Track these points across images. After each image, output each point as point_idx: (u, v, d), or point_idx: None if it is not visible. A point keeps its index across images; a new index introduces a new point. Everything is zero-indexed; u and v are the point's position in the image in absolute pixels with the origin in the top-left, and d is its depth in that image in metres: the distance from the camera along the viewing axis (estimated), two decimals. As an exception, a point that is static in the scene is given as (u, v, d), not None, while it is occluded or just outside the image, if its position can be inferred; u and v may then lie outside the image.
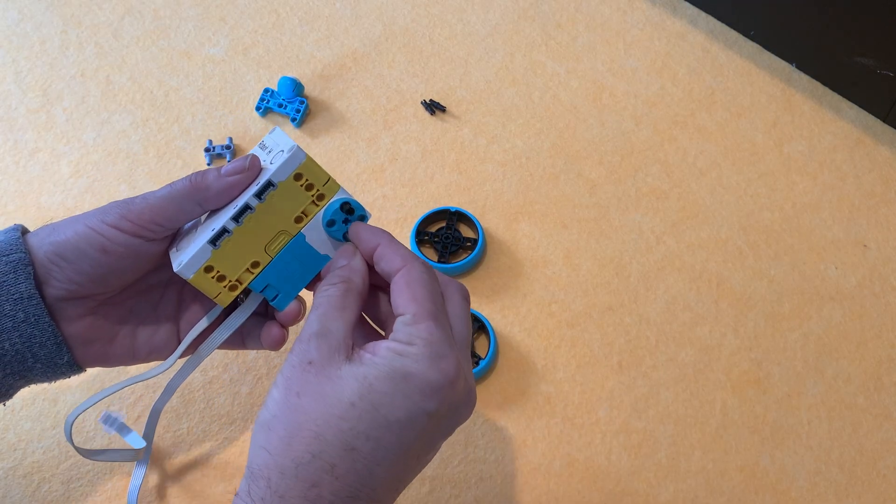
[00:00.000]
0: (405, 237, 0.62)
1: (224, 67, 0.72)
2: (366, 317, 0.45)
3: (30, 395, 0.57)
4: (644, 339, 0.59)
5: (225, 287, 0.43)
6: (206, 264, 0.42)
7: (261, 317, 0.47)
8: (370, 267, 0.42)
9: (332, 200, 0.44)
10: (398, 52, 0.72)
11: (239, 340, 0.47)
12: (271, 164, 0.43)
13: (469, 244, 0.62)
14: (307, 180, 0.43)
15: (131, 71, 0.72)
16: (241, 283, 0.43)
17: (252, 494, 0.35)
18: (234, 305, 0.45)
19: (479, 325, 0.58)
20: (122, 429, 0.51)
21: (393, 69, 0.71)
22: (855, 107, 0.68)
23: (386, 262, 0.41)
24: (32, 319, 0.42)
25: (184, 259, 0.42)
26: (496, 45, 0.72)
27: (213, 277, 0.42)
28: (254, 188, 0.42)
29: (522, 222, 0.63)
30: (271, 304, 0.44)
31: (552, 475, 0.54)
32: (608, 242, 0.62)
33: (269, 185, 0.42)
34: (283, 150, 0.43)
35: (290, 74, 0.71)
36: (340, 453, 0.35)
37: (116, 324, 0.46)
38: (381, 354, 0.37)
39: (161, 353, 0.47)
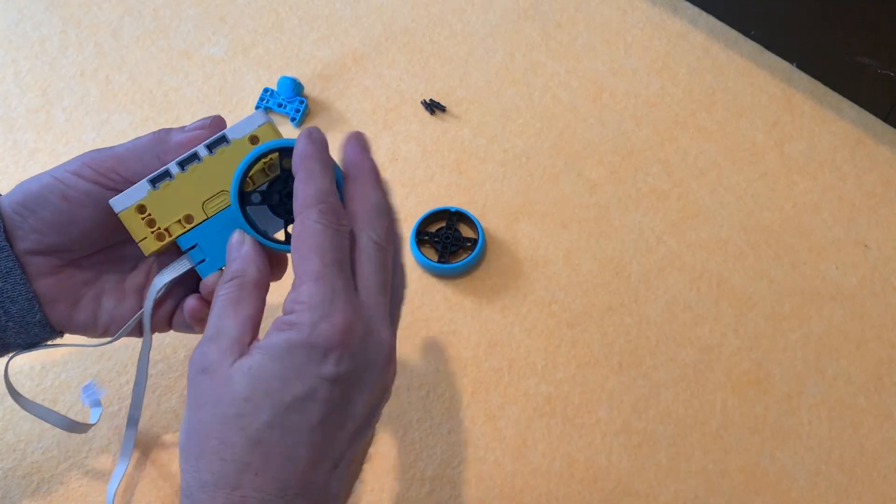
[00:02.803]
0: (405, 237, 0.62)
1: (224, 67, 0.72)
2: None
3: (30, 395, 0.57)
4: (644, 339, 0.59)
5: (153, 233, 0.42)
6: (139, 202, 0.41)
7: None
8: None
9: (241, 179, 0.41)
10: (398, 51, 0.72)
11: (166, 321, 0.46)
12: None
13: (469, 244, 0.62)
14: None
15: (131, 71, 0.72)
16: (169, 234, 0.42)
17: None
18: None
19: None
20: (95, 404, 0.51)
21: (393, 69, 0.71)
22: (855, 107, 0.68)
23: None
24: (3, 272, 0.41)
25: (120, 195, 0.41)
26: (496, 45, 0.72)
27: (143, 219, 0.41)
28: (208, 141, 0.41)
29: (522, 222, 0.63)
30: (196, 267, 0.42)
31: (552, 475, 0.54)
32: (608, 242, 0.62)
33: (222, 139, 0.41)
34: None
35: (289, 74, 0.71)
36: (250, 450, 0.34)
37: (82, 286, 0.45)
38: (266, 337, 0.35)
39: (123, 326, 0.46)
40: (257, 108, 0.69)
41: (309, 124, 0.69)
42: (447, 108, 0.69)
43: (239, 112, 0.69)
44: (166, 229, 0.42)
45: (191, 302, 0.43)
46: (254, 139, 0.42)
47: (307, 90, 0.70)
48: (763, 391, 0.57)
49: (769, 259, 0.61)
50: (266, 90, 0.69)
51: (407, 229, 0.63)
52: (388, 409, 0.56)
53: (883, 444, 0.55)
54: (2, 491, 0.54)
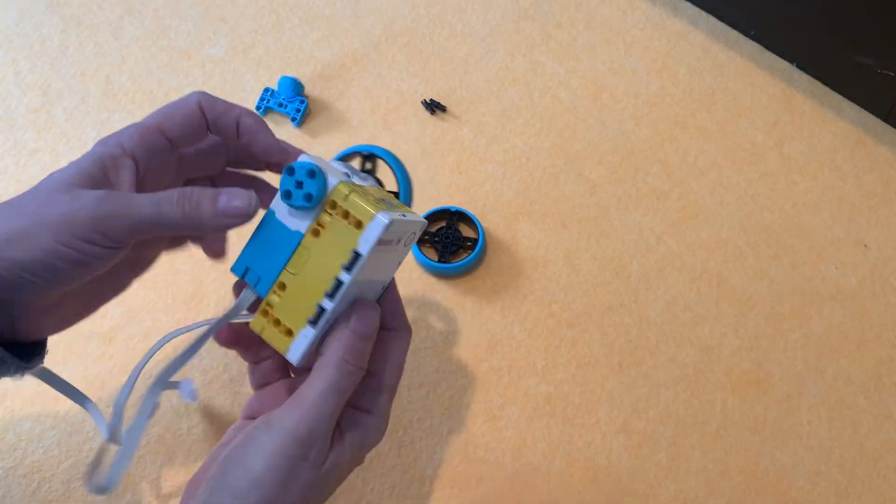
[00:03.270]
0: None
1: (224, 67, 0.72)
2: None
3: (30, 395, 0.57)
4: (644, 339, 0.59)
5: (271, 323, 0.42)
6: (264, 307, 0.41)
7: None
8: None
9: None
10: (398, 52, 0.72)
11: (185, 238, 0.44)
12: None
13: (469, 244, 0.62)
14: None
15: (131, 71, 0.72)
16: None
17: None
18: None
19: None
20: (191, 395, 0.50)
21: (393, 69, 0.71)
22: (855, 107, 0.68)
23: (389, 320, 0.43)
24: None
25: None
26: (496, 45, 0.72)
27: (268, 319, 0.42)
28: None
29: (522, 222, 0.63)
30: (254, 290, 0.41)
31: (552, 475, 0.54)
32: (608, 242, 0.62)
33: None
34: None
35: (290, 74, 0.71)
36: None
37: (82, 300, 0.43)
38: (347, 434, 0.40)
39: (113, 294, 0.44)
40: (258, 108, 0.69)
41: (309, 124, 0.69)
42: (447, 108, 0.69)
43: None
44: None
45: (218, 246, 0.43)
46: (333, 204, 0.40)
47: (307, 90, 0.70)
48: (763, 391, 0.57)
49: (769, 259, 0.61)
50: (266, 90, 0.69)
51: (407, 229, 0.63)
52: (388, 409, 0.56)
53: (883, 444, 0.55)
54: (2, 490, 0.54)
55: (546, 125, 0.68)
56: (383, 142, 0.67)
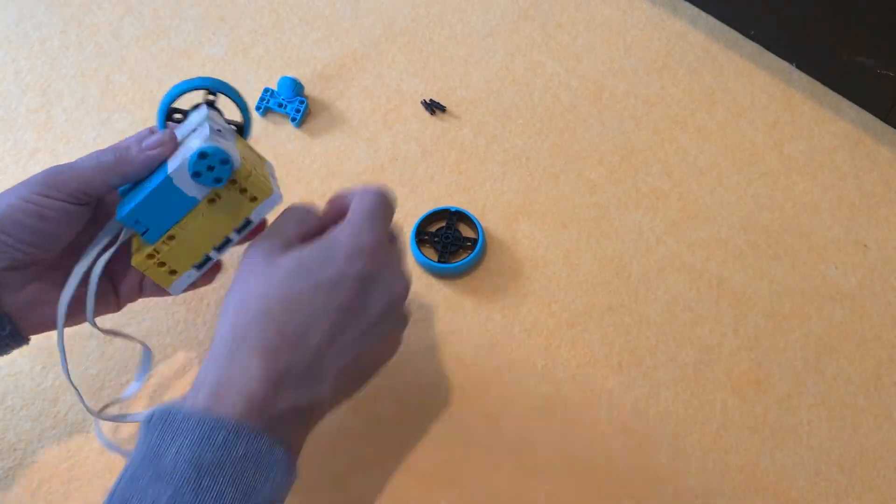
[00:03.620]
0: (405, 237, 0.63)
1: (224, 67, 0.72)
2: None
3: (30, 395, 0.57)
4: (644, 339, 0.59)
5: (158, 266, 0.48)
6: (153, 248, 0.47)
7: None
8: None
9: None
10: (398, 52, 0.72)
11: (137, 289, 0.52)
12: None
13: (469, 244, 0.62)
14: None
15: (131, 71, 0.72)
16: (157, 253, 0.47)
17: (215, 355, 0.41)
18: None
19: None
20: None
21: (393, 69, 0.71)
22: (855, 107, 0.68)
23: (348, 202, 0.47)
24: None
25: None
26: (496, 45, 0.72)
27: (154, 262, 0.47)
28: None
29: (522, 222, 0.63)
30: (142, 237, 0.46)
31: (552, 475, 0.54)
32: (608, 242, 0.62)
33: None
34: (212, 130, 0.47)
35: (289, 74, 0.71)
36: (282, 307, 0.42)
37: (52, 289, 0.48)
38: (315, 240, 0.44)
39: (100, 304, 0.50)
40: (257, 108, 0.69)
41: (309, 124, 0.69)
42: (447, 108, 0.69)
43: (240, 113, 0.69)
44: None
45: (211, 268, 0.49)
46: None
47: (307, 90, 0.70)
48: (763, 391, 0.57)
49: (769, 259, 0.62)
50: (266, 90, 0.69)
51: (407, 229, 0.63)
52: (388, 409, 0.56)
53: (883, 444, 0.55)
54: (2, 490, 0.54)
55: (546, 125, 0.68)
56: (383, 142, 0.67)
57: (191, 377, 0.58)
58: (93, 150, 0.67)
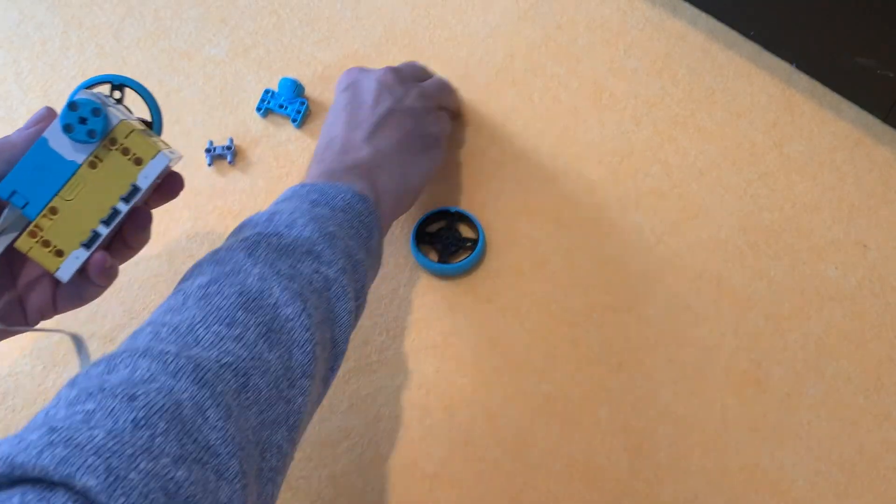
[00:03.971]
0: (405, 237, 0.63)
1: (225, 68, 0.72)
2: None
3: (31, 395, 0.57)
4: (644, 339, 0.59)
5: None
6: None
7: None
8: None
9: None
10: (399, 53, 0.72)
11: (50, 305, 0.48)
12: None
13: (469, 244, 0.62)
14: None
15: (132, 72, 0.72)
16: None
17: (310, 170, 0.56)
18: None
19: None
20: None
21: (393, 70, 0.71)
22: (855, 107, 0.68)
23: None
24: None
25: None
26: (496, 46, 0.72)
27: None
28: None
29: (522, 222, 0.63)
30: (22, 212, 0.43)
31: (552, 475, 0.54)
32: (608, 242, 0.62)
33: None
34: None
35: (290, 75, 0.71)
36: (325, 124, 0.60)
37: (42, 296, 0.46)
38: None
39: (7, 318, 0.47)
40: (258, 109, 0.69)
41: (310, 126, 0.69)
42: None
43: (239, 113, 0.70)
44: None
45: (99, 256, 0.45)
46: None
47: (308, 91, 0.70)
48: (763, 391, 0.57)
49: (769, 259, 0.62)
50: (267, 91, 0.69)
51: (407, 229, 0.63)
52: (387, 409, 0.56)
53: (883, 444, 0.55)
54: (3, 490, 0.54)
55: (546, 125, 0.68)
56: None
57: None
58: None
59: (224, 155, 0.67)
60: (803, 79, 0.69)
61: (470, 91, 0.70)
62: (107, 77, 0.47)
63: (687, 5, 0.73)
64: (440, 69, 0.71)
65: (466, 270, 0.61)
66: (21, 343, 0.59)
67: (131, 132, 0.43)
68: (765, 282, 0.61)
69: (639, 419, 0.56)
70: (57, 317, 0.48)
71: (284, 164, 0.67)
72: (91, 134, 0.42)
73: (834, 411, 0.56)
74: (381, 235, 0.53)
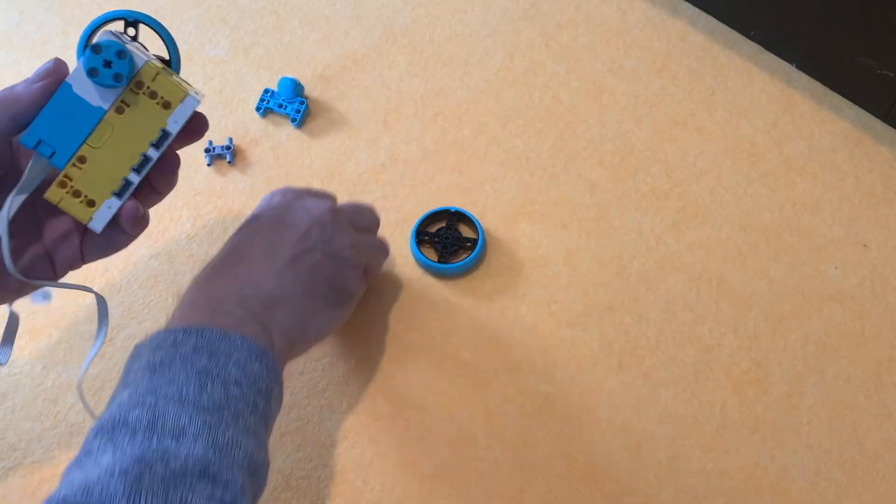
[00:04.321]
0: (405, 237, 0.63)
1: (224, 68, 0.72)
2: None
3: (30, 395, 0.57)
4: (644, 339, 0.59)
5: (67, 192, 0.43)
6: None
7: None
8: None
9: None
10: (398, 52, 0.72)
11: (77, 255, 0.46)
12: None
13: (469, 244, 0.62)
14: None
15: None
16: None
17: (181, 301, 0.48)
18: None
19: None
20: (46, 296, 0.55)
21: (393, 70, 0.71)
22: (855, 107, 0.68)
23: None
24: None
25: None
26: (496, 46, 0.72)
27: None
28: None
29: (522, 222, 0.63)
30: (50, 162, 0.42)
31: (552, 475, 0.54)
32: (608, 242, 0.62)
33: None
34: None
35: (290, 75, 0.71)
36: (220, 263, 0.51)
37: (68, 244, 0.45)
38: None
39: (37, 276, 0.46)
40: (257, 108, 0.69)
41: (309, 125, 0.69)
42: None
43: (239, 113, 0.69)
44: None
45: (131, 205, 0.44)
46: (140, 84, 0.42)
47: (308, 91, 0.70)
48: (763, 391, 0.57)
49: (769, 259, 0.61)
50: (266, 91, 0.69)
51: (407, 229, 0.63)
52: (388, 409, 0.56)
53: (883, 444, 0.55)
54: (2, 491, 0.54)
55: (546, 125, 0.68)
56: (384, 143, 0.67)
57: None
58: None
59: (223, 155, 0.67)
60: (803, 79, 0.69)
61: (470, 90, 0.70)
62: (120, 13, 0.44)
63: (687, 5, 0.73)
64: (440, 68, 0.71)
65: (466, 270, 0.61)
66: (21, 343, 0.59)
67: (157, 74, 0.42)
68: (765, 282, 0.61)
69: (639, 419, 0.56)
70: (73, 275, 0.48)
71: (284, 163, 0.67)
72: (117, 78, 0.41)
73: (834, 411, 0.56)
74: (280, 386, 0.46)
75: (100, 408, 0.55)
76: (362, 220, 0.57)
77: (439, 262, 0.61)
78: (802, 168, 0.65)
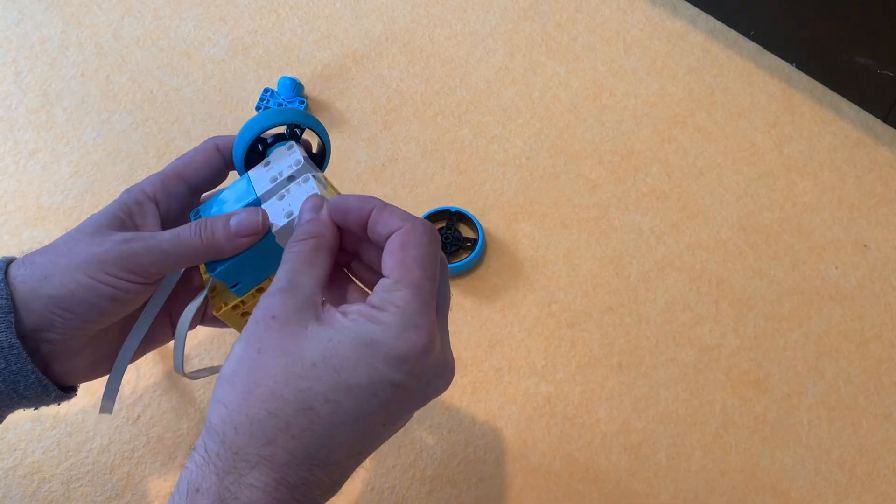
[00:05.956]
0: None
1: (224, 67, 0.72)
2: (353, 278, 0.42)
3: (30, 395, 0.57)
4: (644, 339, 0.59)
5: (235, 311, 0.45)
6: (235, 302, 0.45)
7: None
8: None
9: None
10: (398, 52, 0.72)
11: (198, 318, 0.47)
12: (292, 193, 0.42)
13: (469, 244, 0.62)
14: None
15: (131, 71, 0.72)
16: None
17: (208, 449, 0.34)
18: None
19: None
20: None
21: (393, 69, 0.71)
22: (855, 107, 0.68)
23: (382, 224, 0.37)
24: (15, 368, 0.40)
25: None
26: (496, 46, 0.72)
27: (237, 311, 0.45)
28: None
29: (522, 222, 0.63)
30: (231, 290, 0.43)
31: (552, 475, 0.54)
32: (608, 242, 0.62)
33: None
34: (295, 177, 0.43)
35: (290, 74, 0.71)
36: (297, 412, 0.34)
37: (115, 347, 0.45)
38: (350, 317, 0.35)
39: (154, 344, 0.47)
40: (257, 108, 0.69)
41: (309, 124, 0.69)
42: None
43: (240, 112, 0.69)
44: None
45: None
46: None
47: (307, 90, 0.70)
48: (763, 391, 0.57)
49: (769, 259, 0.62)
50: (266, 90, 0.69)
51: (407, 229, 0.63)
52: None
53: (883, 444, 0.55)
54: (2, 490, 0.54)
55: (546, 125, 0.68)
56: (384, 142, 0.67)
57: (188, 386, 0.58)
58: (93, 150, 0.68)
59: (223, 154, 0.67)
60: (803, 79, 0.69)
61: (470, 90, 0.70)
62: (288, 117, 0.44)
63: (687, 5, 0.73)
64: (440, 68, 0.71)
65: (466, 270, 0.61)
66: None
67: None
68: (765, 282, 0.61)
69: (639, 419, 0.56)
70: None
71: (284, 163, 0.67)
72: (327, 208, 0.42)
73: (834, 411, 0.56)
74: None
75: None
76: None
77: (439, 261, 0.61)
78: (802, 168, 0.65)
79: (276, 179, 0.43)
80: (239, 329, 0.46)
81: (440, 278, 0.39)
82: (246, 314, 0.45)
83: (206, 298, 0.44)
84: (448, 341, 0.39)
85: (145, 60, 0.73)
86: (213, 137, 0.46)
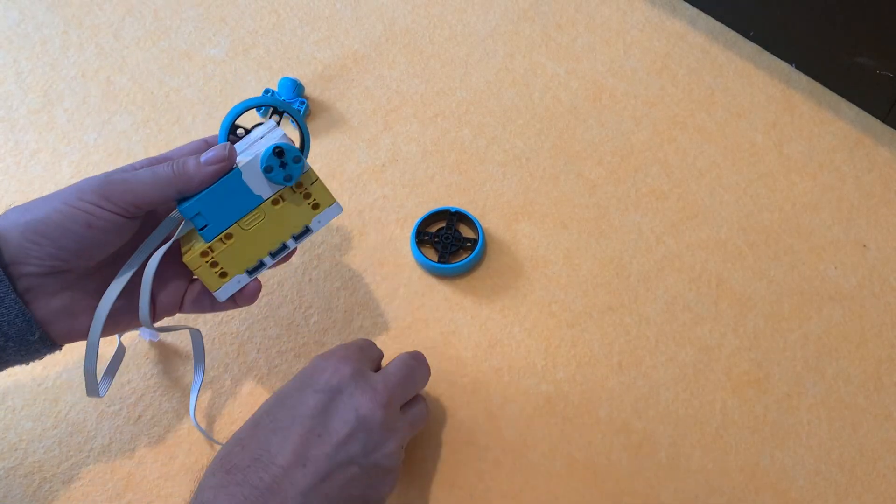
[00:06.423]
0: (405, 237, 0.63)
1: (224, 68, 0.72)
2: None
3: (31, 395, 0.57)
4: (644, 339, 0.59)
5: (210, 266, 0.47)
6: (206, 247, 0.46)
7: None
8: None
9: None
10: (398, 52, 0.72)
11: (176, 304, 0.50)
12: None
13: (469, 244, 0.62)
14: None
15: (132, 72, 0.72)
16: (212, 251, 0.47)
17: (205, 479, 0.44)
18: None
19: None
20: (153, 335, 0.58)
21: (393, 70, 0.71)
22: (855, 107, 0.68)
23: None
24: None
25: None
26: (496, 46, 0.72)
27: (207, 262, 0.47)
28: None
29: (522, 222, 0.63)
30: (199, 232, 0.45)
31: (552, 475, 0.54)
32: (608, 242, 0.62)
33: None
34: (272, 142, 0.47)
35: (290, 75, 0.71)
36: (249, 430, 0.45)
37: (88, 297, 0.46)
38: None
39: (133, 319, 0.49)
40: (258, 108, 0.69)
41: (310, 125, 0.69)
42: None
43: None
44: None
45: (255, 284, 0.49)
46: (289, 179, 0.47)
47: (308, 91, 0.70)
48: (763, 391, 0.57)
49: (769, 259, 0.62)
50: (267, 91, 0.69)
51: (407, 229, 0.63)
52: (388, 409, 0.56)
53: (883, 444, 0.55)
54: (3, 490, 0.54)
55: (546, 126, 0.68)
56: (384, 142, 0.67)
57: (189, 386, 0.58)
58: (94, 151, 0.68)
59: (224, 155, 0.67)
60: (803, 79, 0.69)
61: (470, 90, 0.70)
62: (272, 102, 0.49)
63: (687, 5, 0.73)
64: (440, 68, 0.71)
65: (466, 270, 0.61)
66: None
67: (316, 180, 0.47)
68: (765, 282, 0.61)
69: (639, 419, 0.56)
70: None
71: (284, 163, 0.67)
72: (288, 178, 0.46)
73: (834, 411, 0.56)
74: None
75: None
76: (413, 388, 0.50)
77: (439, 262, 0.61)
78: (802, 168, 0.65)
79: (251, 142, 0.48)
80: (210, 286, 0.47)
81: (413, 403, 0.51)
82: (215, 266, 0.46)
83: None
84: (367, 372, 0.48)
85: (146, 61, 0.73)
86: (205, 137, 0.50)
